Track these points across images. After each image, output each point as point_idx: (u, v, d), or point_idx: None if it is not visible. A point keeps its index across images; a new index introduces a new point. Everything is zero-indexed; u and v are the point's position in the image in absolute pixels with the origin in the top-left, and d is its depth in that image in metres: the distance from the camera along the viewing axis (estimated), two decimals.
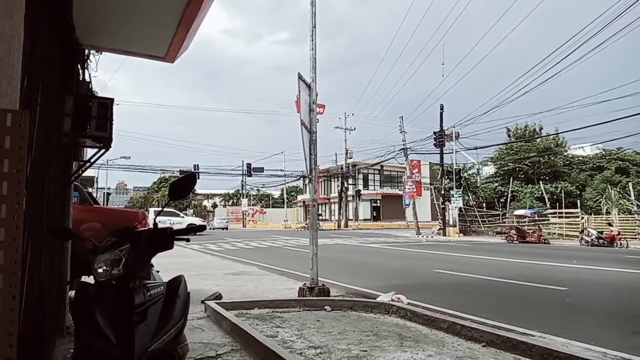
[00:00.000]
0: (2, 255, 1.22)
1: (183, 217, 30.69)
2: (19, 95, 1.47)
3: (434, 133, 32.75)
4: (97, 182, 36.00)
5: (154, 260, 2.36)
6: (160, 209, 2.71)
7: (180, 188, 2.33)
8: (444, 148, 32.62)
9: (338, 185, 50.55)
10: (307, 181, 45.68)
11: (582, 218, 27.24)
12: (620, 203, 29.38)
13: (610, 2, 16.97)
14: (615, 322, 6.02)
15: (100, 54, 5.27)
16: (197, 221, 32.09)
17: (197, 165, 48.66)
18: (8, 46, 1.30)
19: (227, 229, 44.96)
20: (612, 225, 22.80)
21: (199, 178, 39.99)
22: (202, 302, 6.27)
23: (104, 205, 24.93)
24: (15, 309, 1.24)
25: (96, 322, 1.93)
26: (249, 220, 56.61)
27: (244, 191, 59.65)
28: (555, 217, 29.23)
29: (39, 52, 2.23)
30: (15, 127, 1.26)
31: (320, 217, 39.49)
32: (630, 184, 30.28)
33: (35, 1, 1.92)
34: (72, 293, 2.87)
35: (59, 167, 4.13)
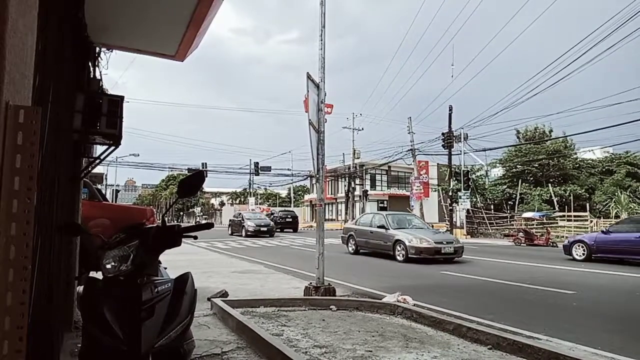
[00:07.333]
0: (13, 250, 1.23)
1: None
2: (31, 92, 1.49)
3: (443, 134, 32.55)
4: (106, 179, 36.26)
5: (161, 257, 2.38)
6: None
7: (189, 186, 2.36)
8: (452, 149, 32.45)
9: (345, 185, 50.45)
10: (314, 181, 45.60)
11: (591, 221, 26.98)
12: (630, 207, 29.10)
13: (626, 2, 16.72)
14: (623, 326, 5.97)
15: (111, 51, 5.33)
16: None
17: (206, 163, 48.88)
18: (22, 43, 1.31)
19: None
20: None
21: (207, 176, 40.00)
22: (209, 299, 6.31)
23: (112, 202, 25.10)
24: (25, 303, 1.26)
25: (104, 317, 1.95)
26: None
27: (251, 190, 59.78)
28: (564, 220, 28.98)
29: (51, 50, 2.25)
30: (27, 123, 1.27)
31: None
32: None
33: None
34: (80, 288, 2.90)
35: (69, 164, 4.17)
